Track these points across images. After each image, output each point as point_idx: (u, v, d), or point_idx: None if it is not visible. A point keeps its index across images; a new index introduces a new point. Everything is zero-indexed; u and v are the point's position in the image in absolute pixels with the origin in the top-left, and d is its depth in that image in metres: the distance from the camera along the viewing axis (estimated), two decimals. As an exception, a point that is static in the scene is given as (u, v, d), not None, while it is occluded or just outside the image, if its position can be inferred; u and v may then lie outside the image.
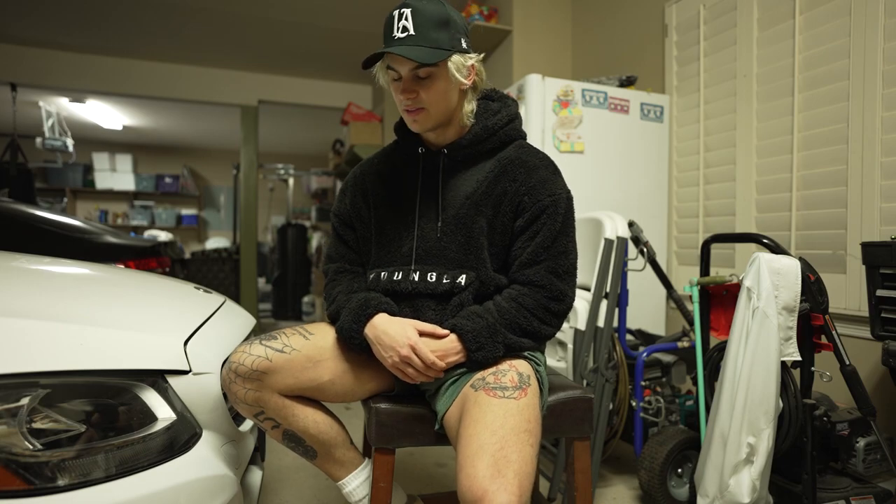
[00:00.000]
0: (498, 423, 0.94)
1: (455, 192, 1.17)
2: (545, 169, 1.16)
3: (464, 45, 1.10)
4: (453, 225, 1.15)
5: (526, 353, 1.14)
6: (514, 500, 0.84)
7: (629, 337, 2.19)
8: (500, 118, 1.19)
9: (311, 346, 1.12)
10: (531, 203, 1.12)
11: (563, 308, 1.14)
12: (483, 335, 1.06)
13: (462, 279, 1.13)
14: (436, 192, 1.18)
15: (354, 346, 1.13)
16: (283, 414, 1.09)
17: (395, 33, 1.05)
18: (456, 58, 1.08)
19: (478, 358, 1.06)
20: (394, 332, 1.07)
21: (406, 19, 1.04)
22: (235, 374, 1.05)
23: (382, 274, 1.19)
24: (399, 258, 1.18)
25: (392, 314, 1.12)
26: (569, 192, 1.17)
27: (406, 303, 1.16)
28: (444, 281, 1.13)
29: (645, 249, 1.98)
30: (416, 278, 1.14)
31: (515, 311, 1.09)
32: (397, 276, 1.16)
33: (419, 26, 1.04)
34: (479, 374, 1.06)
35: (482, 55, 1.16)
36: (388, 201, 1.22)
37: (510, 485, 0.85)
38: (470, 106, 1.17)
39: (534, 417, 0.99)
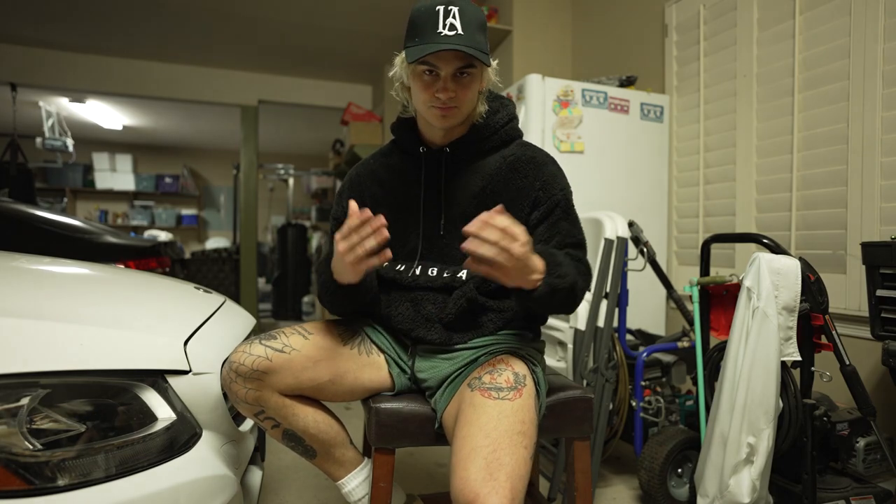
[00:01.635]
0: (491, 425, 0.94)
1: (460, 191, 1.18)
2: (552, 164, 1.21)
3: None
4: (458, 223, 1.15)
5: (524, 353, 1.14)
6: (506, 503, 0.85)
7: (629, 337, 2.19)
8: (501, 117, 1.21)
9: (310, 345, 1.12)
10: (546, 198, 1.16)
11: (588, 286, 1.15)
12: (562, 264, 1.03)
13: (463, 274, 1.15)
14: (438, 191, 1.19)
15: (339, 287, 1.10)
16: (283, 413, 1.09)
17: (442, 30, 1.04)
18: (493, 63, 1.12)
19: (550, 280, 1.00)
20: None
21: (455, 18, 1.04)
22: (236, 373, 1.05)
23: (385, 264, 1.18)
24: (403, 256, 1.20)
25: (372, 292, 1.15)
26: (569, 185, 1.23)
27: (405, 294, 1.17)
28: (445, 275, 1.15)
29: (645, 249, 1.98)
30: (418, 272, 1.17)
31: (574, 266, 1.10)
32: (400, 268, 1.18)
33: (467, 26, 1.04)
34: (475, 373, 1.06)
35: (496, 60, 1.18)
36: (389, 202, 1.23)
37: (502, 488, 0.86)
38: (483, 107, 1.19)
39: (528, 419, 0.99)
